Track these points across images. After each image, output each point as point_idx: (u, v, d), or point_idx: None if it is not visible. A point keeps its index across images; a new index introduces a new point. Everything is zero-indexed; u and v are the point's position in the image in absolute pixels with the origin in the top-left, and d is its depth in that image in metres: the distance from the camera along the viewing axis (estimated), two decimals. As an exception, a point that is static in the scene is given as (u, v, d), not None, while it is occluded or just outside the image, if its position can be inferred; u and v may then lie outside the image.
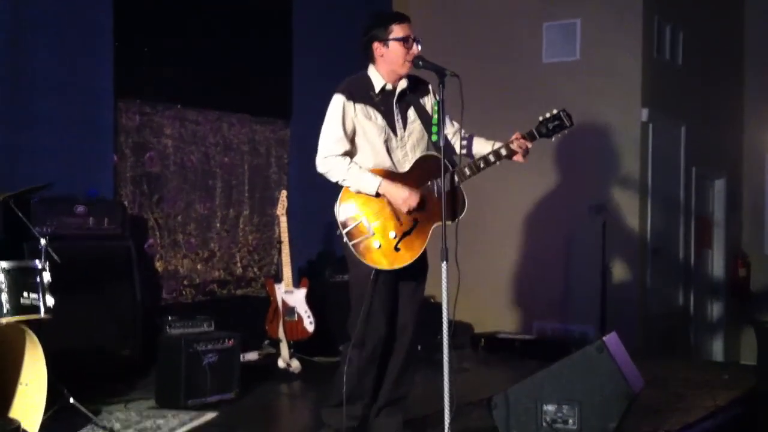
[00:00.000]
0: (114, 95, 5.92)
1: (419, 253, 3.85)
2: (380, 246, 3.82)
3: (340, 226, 3.86)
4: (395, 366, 4.08)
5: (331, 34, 7.40)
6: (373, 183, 3.81)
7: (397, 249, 3.83)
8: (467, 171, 3.87)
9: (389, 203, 3.84)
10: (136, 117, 6.16)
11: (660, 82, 7.59)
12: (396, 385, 4.09)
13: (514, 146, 3.89)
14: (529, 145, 3.92)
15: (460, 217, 3.78)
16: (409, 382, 4.18)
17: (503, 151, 3.90)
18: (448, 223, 3.65)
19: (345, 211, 3.87)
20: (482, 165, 3.90)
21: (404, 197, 3.79)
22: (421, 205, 3.82)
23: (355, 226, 3.84)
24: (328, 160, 3.86)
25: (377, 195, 3.83)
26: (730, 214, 9.27)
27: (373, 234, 3.83)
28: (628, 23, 7.31)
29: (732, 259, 9.29)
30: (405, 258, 3.83)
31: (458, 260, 3.57)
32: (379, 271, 3.84)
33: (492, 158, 3.90)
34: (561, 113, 3.91)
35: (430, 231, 3.86)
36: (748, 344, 9.14)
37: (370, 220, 3.84)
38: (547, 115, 3.93)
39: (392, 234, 3.83)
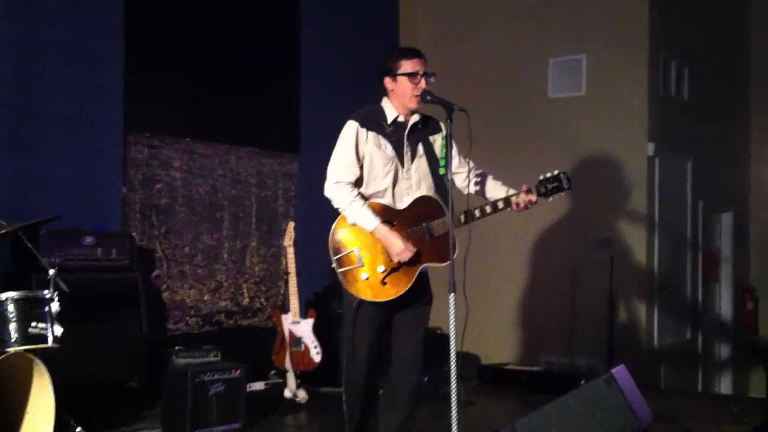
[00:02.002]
0: (123, 128, 5.97)
1: (404, 290, 3.85)
2: (367, 278, 3.84)
3: (332, 253, 3.88)
4: (401, 399, 4.05)
5: (339, 68, 7.48)
6: (371, 224, 3.82)
7: (383, 283, 3.84)
8: (477, 213, 3.87)
9: None
10: (145, 150, 6.21)
11: (666, 117, 7.61)
12: (402, 418, 4.06)
13: (519, 198, 3.87)
14: (533, 199, 3.88)
15: (452, 259, 3.67)
16: (413, 415, 4.14)
17: (513, 199, 3.88)
18: (439, 265, 3.79)
19: (338, 239, 3.89)
20: (489, 210, 3.89)
21: (398, 251, 3.79)
22: (415, 258, 3.82)
23: (346, 254, 3.86)
24: (337, 187, 3.88)
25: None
26: (737, 248, 9.26)
27: (362, 265, 3.85)
28: (634, 59, 7.34)
29: (739, 293, 9.27)
30: (390, 293, 3.84)
31: (465, 292, 3.57)
32: (362, 300, 3.87)
33: (501, 205, 3.89)
34: (561, 175, 3.90)
35: (418, 271, 3.86)
36: (756, 377, 9.10)
37: (361, 252, 3.86)
38: (548, 175, 3.91)
39: (381, 268, 3.84)
